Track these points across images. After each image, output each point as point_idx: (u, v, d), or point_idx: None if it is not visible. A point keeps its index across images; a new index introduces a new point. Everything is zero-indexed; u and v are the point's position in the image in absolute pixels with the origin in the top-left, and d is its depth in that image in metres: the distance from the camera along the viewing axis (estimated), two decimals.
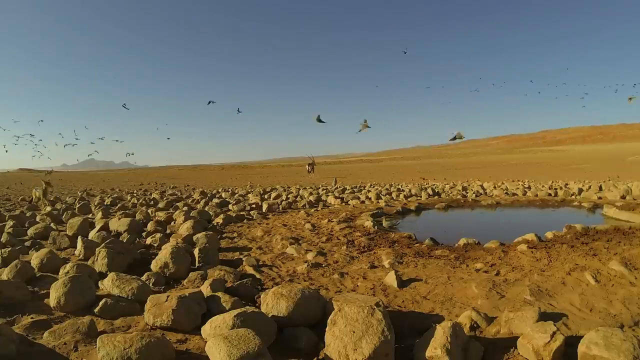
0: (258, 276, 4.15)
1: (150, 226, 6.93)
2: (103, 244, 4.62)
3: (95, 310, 3.09)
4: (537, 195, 11.54)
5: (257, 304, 3.28)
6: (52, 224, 7.23)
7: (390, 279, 3.80)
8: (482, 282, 3.62)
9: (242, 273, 4.26)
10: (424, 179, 26.47)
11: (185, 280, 4.01)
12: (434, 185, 17.90)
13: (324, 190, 16.15)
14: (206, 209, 9.38)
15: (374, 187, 18.04)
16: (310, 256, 4.87)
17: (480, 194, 12.76)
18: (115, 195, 16.64)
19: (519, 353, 2.44)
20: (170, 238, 5.84)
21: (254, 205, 10.13)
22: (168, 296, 2.92)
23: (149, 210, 8.95)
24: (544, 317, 2.67)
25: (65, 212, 9.05)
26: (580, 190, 12.26)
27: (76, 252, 5.05)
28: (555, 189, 13.56)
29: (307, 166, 33.99)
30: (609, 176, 22.49)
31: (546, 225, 6.31)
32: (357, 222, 7.34)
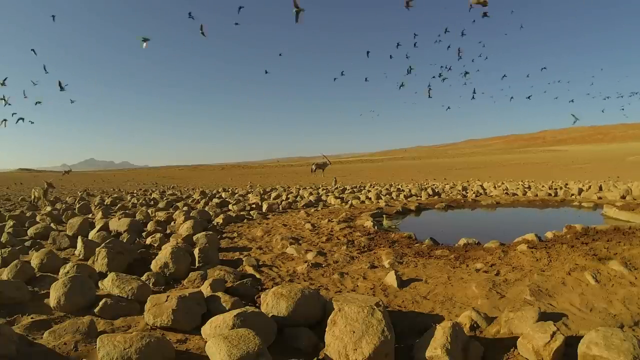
0: (258, 276, 4.15)
1: (150, 226, 6.93)
2: (103, 244, 4.62)
3: (95, 310, 3.09)
4: (537, 195, 11.54)
5: (257, 304, 3.28)
6: (52, 224, 7.22)
7: (390, 279, 3.80)
8: (482, 282, 3.62)
9: (242, 273, 4.26)
10: (431, 179, 26.48)
11: (185, 280, 4.01)
12: (434, 185, 17.90)
13: (324, 190, 16.15)
14: (206, 209, 9.38)
15: (374, 187, 18.05)
16: (310, 256, 4.87)
17: (480, 194, 12.76)
18: (115, 195, 16.64)
19: (519, 353, 2.44)
20: (170, 238, 5.83)
21: (254, 205, 10.13)
22: (168, 296, 2.92)
23: (149, 210, 8.94)
24: (544, 317, 2.67)
25: (65, 212, 9.05)
26: (580, 190, 12.26)
27: (76, 252, 5.05)
28: (555, 189, 13.56)
29: (312, 165, 33.10)
30: (609, 176, 22.50)
31: (546, 225, 6.30)
32: (357, 222, 7.33)
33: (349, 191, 15.40)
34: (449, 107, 20.83)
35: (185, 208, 9.65)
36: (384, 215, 8.24)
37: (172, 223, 7.42)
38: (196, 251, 4.59)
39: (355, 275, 4.11)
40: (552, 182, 18.44)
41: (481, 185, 16.34)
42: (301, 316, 2.82)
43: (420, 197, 12.10)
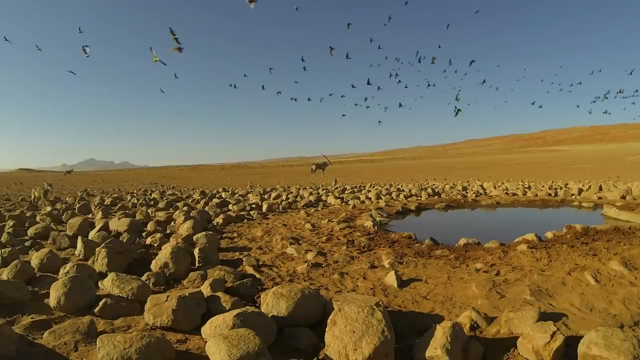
0: (258, 276, 4.15)
1: (150, 226, 6.93)
2: (103, 244, 4.62)
3: (95, 310, 3.09)
4: (537, 195, 11.54)
5: (257, 304, 3.28)
6: (52, 224, 7.23)
7: (390, 279, 3.80)
8: (482, 282, 3.62)
9: (242, 273, 4.26)
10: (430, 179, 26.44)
11: (185, 280, 4.01)
12: (434, 185, 17.90)
13: (324, 190, 16.14)
14: (206, 209, 9.38)
15: (374, 187, 18.04)
16: (310, 256, 4.87)
17: (480, 194, 12.76)
18: (115, 195, 16.64)
19: (519, 353, 2.44)
20: (170, 238, 5.83)
21: (254, 205, 10.13)
22: (168, 296, 2.92)
23: (149, 210, 8.94)
24: (544, 317, 2.67)
25: (65, 212, 9.04)
26: (580, 190, 12.25)
27: (76, 252, 5.05)
28: (555, 189, 13.56)
29: (312, 165, 33.19)
30: (609, 176, 22.49)
31: (546, 225, 6.30)
32: (357, 222, 7.33)
33: (349, 191, 15.39)
34: (380, 122, 20.85)
35: (185, 208, 9.65)
36: (376, 209, 8.24)
37: (172, 223, 7.42)
38: (196, 251, 4.59)
39: (355, 275, 4.11)
40: (552, 182, 18.43)
41: (481, 185, 16.34)
42: (301, 316, 2.82)
43: (420, 197, 12.10)
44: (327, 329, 2.49)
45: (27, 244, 5.58)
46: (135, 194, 17.57)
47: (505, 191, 13.10)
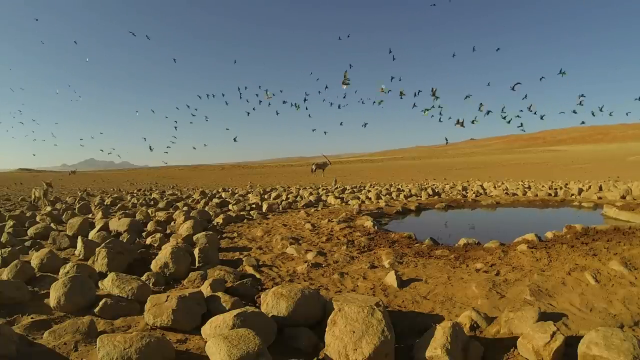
0: (258, 276, 4.15)
1: (150, 226, 6.93)
2: (103, 244, 4.62)
3: (95, 310, 3.09)
4: (537, 195, 11.54)
5: (257, 304, 3.28)
6: (52, 224, 7.22)
7: (390, 279, 3.80)
8: (482, 282, 3.62)
9: (242, 273, 4.26)
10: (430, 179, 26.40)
11: (185, 280, 4.01)
12: (434, 185, 17.90)
13: (324, 190, 16.14)
14: (206, 209, 9.38)
15: (374, 187, 18.04)
16: (310, 256, 4.87)
17: (480, 194, 12.76)
18: (115, 195, 16.64)
19: (519, 353, 2.44)
20: (170, 238, 5.83)
21: (254, 205, 10.13)
22: (168, 296, 2.92)
23: (149, 210, 8.94)
24: (544, 317, 2.67)
25: (65, 212, 9.04)
26: (580, 191, 12.25)
27: (76, 252, 5.05)
28: (555, 189, 13.55)
29: (312, 165, 33.38)
30: (609, 176, 22.48)
31: (546, 225, 6.31)
32: (357, 222, 7.33)
33: (349, 191, 15.39)
34: (366, 124, 20.35)
35: (185, 208, 9.65)
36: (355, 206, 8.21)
37: (172, 223, 7.42)
38: (196, 251, 4.59)
39: (355, 275, 4.11)
40: (552, 182, 18.43)
41: (481, 185, 16.34)
42: (301, 316, 2.82)
43: (420, 197, 12.10)
44: (327, 329, 2.49)
45: (27, 244, 5.58)
46: (135, 194, 17.57)
47: (505, 191, 13.10)
